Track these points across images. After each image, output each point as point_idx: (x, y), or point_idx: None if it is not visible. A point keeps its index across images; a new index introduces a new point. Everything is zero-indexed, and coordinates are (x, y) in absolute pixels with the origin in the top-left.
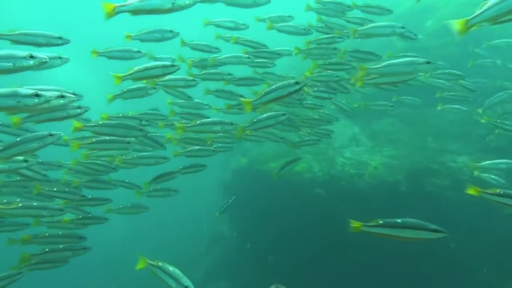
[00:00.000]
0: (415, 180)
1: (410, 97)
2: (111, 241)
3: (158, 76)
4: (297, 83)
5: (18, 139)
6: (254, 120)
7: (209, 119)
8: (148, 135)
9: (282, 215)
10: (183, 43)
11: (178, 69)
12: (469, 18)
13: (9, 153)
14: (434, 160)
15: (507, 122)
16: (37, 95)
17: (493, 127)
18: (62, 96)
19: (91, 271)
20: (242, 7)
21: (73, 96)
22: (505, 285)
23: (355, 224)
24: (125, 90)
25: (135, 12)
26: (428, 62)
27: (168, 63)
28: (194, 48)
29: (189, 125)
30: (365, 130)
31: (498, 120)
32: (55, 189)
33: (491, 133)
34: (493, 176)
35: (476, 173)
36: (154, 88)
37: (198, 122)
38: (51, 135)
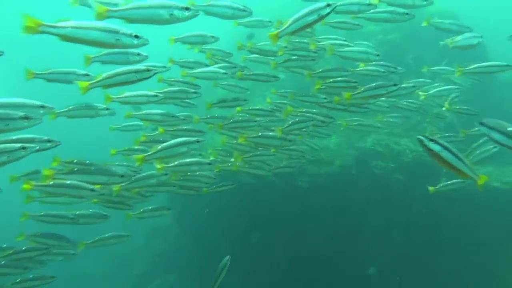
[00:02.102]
0: (363, 164)
1: (399, 115)
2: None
3: (130, 83)
4: (328, 5)
5: None
6: (260, 134)
7: (172, 141)
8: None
9: (235, 202)
10: (172, 61)
11: (155, 74)
12: None
13: None
14: (379, 143)
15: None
16: None
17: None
18: (27, 118)
19: None
20: (221, 18)
21: (39, 119)
22: (449, 262)
23: None
24: (70, 107)
25: (66, 38)
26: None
27: (142, 67)
28: (183, 66)
29: (149, 153)
30: None
31: (440, 134)
32: None
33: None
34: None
35: (431, 189)
36: (107, 110)
37: (159, 147)
38: (23, 148)
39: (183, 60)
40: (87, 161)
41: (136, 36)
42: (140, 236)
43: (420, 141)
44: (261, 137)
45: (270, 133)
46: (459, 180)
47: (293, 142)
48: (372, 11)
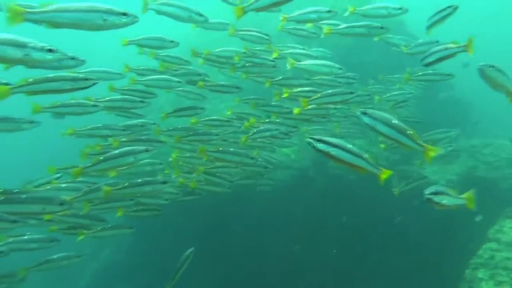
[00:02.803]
0: (321, 165)
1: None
2: None
3: (63, 91)
4: None
5: None
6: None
7: (116, 151)
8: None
9: (191, 208)
10: (128, 69)
11: (94, 84)
12: None
13: None
14: None
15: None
16: None
17: None
18: None
19: None
20: (177, 20)
21: None
22: (402, 259)
23: None
24: None
25: None
26: None
27: (80, 75)
28: (140, 74)
29: (89, 165)
30: None
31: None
32: None
33: None
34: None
35: (395, 191)
36: (32, 122)
37: (101, 158)
38: None
39: (141, 67)
40: (16, 190)
41: (50, 50)
42: (86, 245)
43: (309, 143)
44: (221, 152)
45: (231, 149)
46: (416, 178)
47: (255, 160)
48: (346, 25)
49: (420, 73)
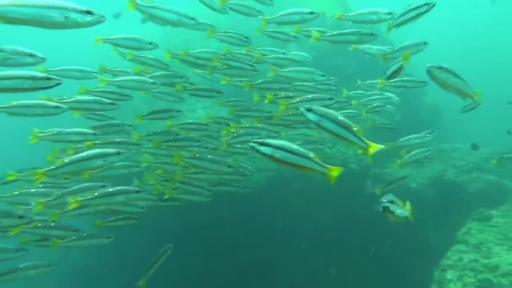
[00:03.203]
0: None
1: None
2: None
3: (22, 91)
4: None
5: None
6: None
7: (84, 153)
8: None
9: (166, 211)
10: (103, 69)
11: (57, 84)
12: None
13: None
14: (313, 148)
15: None
16: None
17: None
18: None
19: None
20: (167, 25)
21: None
22: (369, 261)
23: None
24: None
25: None
26: None
27: (40, 74)
28: (117, 75)
29: (53, 168)
30: None
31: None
32: None
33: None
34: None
35: (377, 191)
36: None
37: (66, 160)
38: None
39: (118, 69)
40: None
41: None
42: (55, 250)
43: (252, 147)
44: (198, 159)
45: (208, 156)
46: (397, 179)
47: (233, 168)
48: (336, 32)
49: (395, 80)
